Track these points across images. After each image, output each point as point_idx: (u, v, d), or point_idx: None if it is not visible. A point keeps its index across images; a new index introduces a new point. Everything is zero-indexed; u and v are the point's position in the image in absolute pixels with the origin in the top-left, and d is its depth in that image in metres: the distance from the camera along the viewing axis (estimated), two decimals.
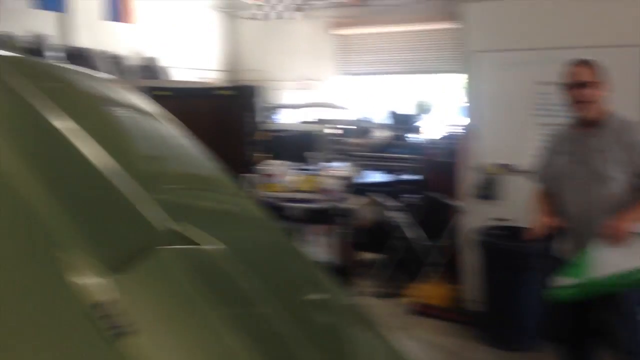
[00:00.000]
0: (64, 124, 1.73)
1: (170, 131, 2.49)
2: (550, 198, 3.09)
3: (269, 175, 5.41)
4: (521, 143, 4.48)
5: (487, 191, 4.72)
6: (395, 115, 9.21)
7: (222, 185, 2.44)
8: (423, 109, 14.08)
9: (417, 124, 9.66)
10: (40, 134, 1.69)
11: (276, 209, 5.19)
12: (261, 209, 2.41)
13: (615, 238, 2.66)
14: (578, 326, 3.05)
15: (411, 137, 8.68)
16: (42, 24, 9.36)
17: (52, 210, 1.41)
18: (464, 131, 4.90)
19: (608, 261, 2.66)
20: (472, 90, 4.79)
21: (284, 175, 5.47)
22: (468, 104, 4.86)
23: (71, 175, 1.63)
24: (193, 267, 1.51)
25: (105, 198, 1.64)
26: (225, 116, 7.58)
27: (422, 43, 15.39)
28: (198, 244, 1.62)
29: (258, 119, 8.09)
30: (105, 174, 1.68)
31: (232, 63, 17.63)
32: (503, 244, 4.06)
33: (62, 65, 3.94)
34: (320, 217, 5.16)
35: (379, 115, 9.30)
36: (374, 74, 16.50)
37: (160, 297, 1.38)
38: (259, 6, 14.04)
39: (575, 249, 2.92)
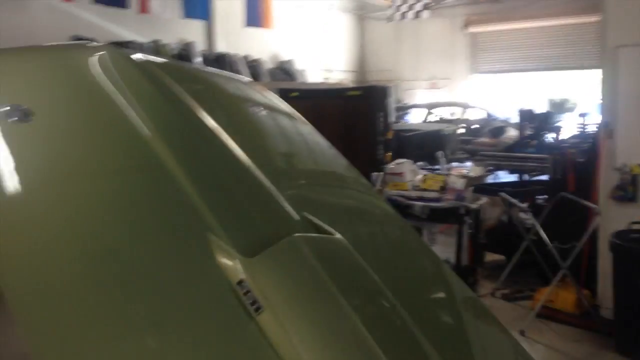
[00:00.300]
0: (211, 123, 1.96)
1: (304, 130, 2.68)
2: None
3: (398, 174, 5.48)
4: None
5: (629, 193, 4.48)
6: (529, 114, 8.89)
7: (353, 182, 2.57)
8: (560, 107, 13.42)
9: (552, 122, 9.25)
10: (191, 132, 1.92)
11: (403, 207, 5.25)
12: (389, 206, 2.52)
13: None
14: None
15: (546, 136, 8.35)
16: (190, 32, 10.12)
17: (203, 198, 1.61)
18: (602, 130, 4.68)
19: None
20: (611, 87, 4.56)
21: (412, 174, 5.52)
22: (605, 102, 4.63)
23: (218, 168, 1.82)
24: (323, 254, 1.64)
25: (248, 189, 1.83)
26: (355, 116, 7.77)
27: (559, 38, 14.66)
28: (330, 233, 1.75)
29: (389, 118, 8.20)
30: (249, 168, 1.87)
31: (363, 64, 17.87)
32: (635, 247, 3.85)
33: (207, 69, 4.30)
34: (446, 216, 5.15)
35: (511, 114, 9.02)
36: (508, 71, 15.97)
37: (292, 280, 1.52)
38: (389, 7, 14.10)
39: None
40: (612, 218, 4.48)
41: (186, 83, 2.14)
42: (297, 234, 1.64)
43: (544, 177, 6.35)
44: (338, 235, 1.76)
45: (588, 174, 4.94)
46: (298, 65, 14.26)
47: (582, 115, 9.13)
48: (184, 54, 9.98)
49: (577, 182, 5.12)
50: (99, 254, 1.39)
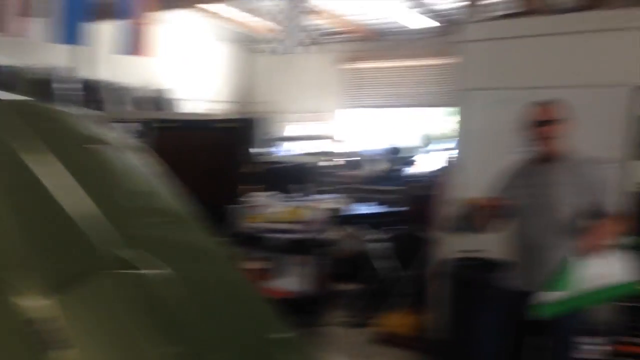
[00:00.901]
0: (36, 158, 1.95)
1: (141, 165, 2.70)
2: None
3: (258, 206, 5.62)
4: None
5: (464, 224, 4.89)
6: (393, 148, 9.42)
7: (181, 219, 2.63)
8: (425, 142, 14.28)
9: (412, 157, 9.85)
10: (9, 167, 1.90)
11: (257, 239, 5.39)
12: (217, 243, 2.60)
13: (592, 251, 2.82)
14: (518, 351, 3.20)
15: (405, 170, 8.87)
16: (57, 56, 9.74)
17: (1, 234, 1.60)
18: (449, 165, 5.11)
19: (590, 275, 2.80)
20: (463, 125, 5.01)
21: (267, 206, 5.67)
22: (458, 138, 5.07)
23: (30, 205, 1.82)
24: (131, 290, 1.69)
25: (57, 226, 1.83)
26: (220, 148, 7.84)
27: (425, 77, 15.68)
28: (139, 270, 1.80)
29: (254, 150, 8.34)
30: (58, 205, 1.88)
31: (244, 95, 18.03)
32: (465, 274, 4.22)
33: (57, 106, 4.20)
34: (299, 247, 5.35)
35: (378, 148, 9.50)
36: (379, 107, 16.79)
37: (95, 317, 1.56)
38: (272, 40, 14.35)
39: (529, 279, 3.10)
40: (448, 247, 4.87)
41: (33, 121, 2.12)
42: (103, 271, 1.67)
43: (398, 209, 6.74)
44: (157, 271, 1.80)
45: (433, 206, 5.35)
46: (177, 94, 14.13)
47: (439, 150, 9.80)
48: (45, 79, 9.59)
49: (423, 214, 5.50)
50: None
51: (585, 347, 4.08)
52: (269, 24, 12.84)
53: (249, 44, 17.34)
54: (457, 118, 5.05)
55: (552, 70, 4.57)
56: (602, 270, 2.80)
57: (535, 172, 3.17)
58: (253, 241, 5.48)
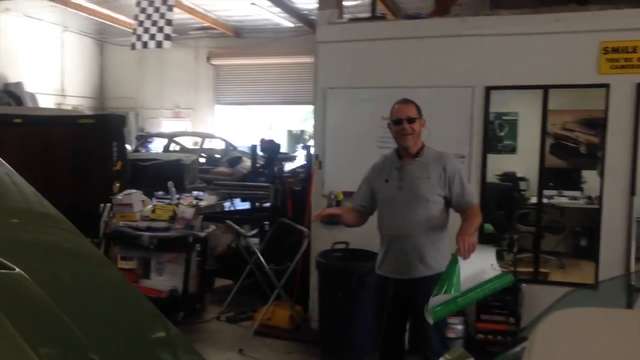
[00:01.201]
0: None
1: None
2: (354, 212, 3.50)
3: (126, 205, 5.46)
4: (365, 172, 4.91)
5: (334, 217, 5.09)
6: (266, 145, 9.49)
7: (45, 219, 2.51)
8: (297, 138, 14.55)
9: (285, 153, 10.00)
10: None
11: (131, 238, 5.25)
12: (85, 242, 2.51)
13: (469, 251, 2.99)
14: (397, 334, 3.43)
15: (279, 166, 8.98)
16: None
17: None
18: (313, 161, 5.28)
19: (467, 271, 2.98)
20: (321, 123, 5.18)
21: (141, 204, 5.54)
22: (318, 136, 5.24)
23: None
24: None
25: None
26: (88, 145, 7.47)
27: (292, 75, 15.98)
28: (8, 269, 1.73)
29: (123, 148, 8.04)
30: None
31: (103, 90, 17.24)
32: (337, 264, 4.42)
33: None
34: (174, 245, 5.28)
35: (249, 144, 9.53)
36: (248, 104, 16.85)
37: None
38: (132, 33, 13.83)
39: (396, 267, 3.31)
40: (320, 240, 5.05)
41: None
42: None
43: (273, 205, 6.85)
44: (17, 271, 1.74)
45: (303, 201, 5.50)
46: (28, 88, 13.22)
47: (305, 147, 10.03)
48: None
49: (294, 208, 5.65)
50: None
51: (453, 326, 4.45)
52: (130, 17, 12.46)
53: (109, 38, 16.63)
54: (316, 116, 5.22)
55: (404, 72, 4.88)
56: (476, 266, 3.02)
57: (397, 167, 3.37)
58: (125, 240, 5.33)
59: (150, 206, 5.61)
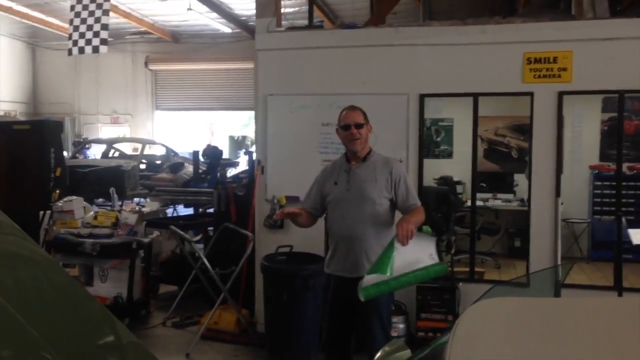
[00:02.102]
0: None
1: None
2: (307, 213, 3.60)
3: (67, 212, 5.40)
4: (306, 176, 5.03)
5: (277, 221, 5.19)
6: (209, 151, 9.49)
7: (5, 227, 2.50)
8: (239, 144, 14.54)
9: (228, 159, 10.01)
10: None
11: (73, 245, 5.20)
12: (31, 247, 2.52)
13: (407, 238, 3.12)
14: (344, 332, 3.57)
15: (222, 171, 9.01)
16: None
17: None
18: (256, 166, 5.38)
19: (405, 258, 3.11)
20: (262, 129, 5.29)
21: (82, 211, 5.50)
22: (260, 141, 5.34)
23: None
24: None
25: None
26: (23, 152, 7.30)
27: (234, 81, 15.97)
28: None
29: (61, 154, 7.89)
30: None
31: (36, 95, 16.76)
32: (281, 268, 4.53)
33: None
34: (117, 251, 5.27)
35: (190, 150, 9.51)
36: (189, 109, 16.73)
37: None
38: (68, 38, 13.51)
39: (344, 266, 3.46)
40: (264, 244, 5.16)
41: None
42: None
43: (217, 210, 6.88)
44: None
45: (247, 206, 5.59)
46: None
47: (247, 152, 10.09)
48: None
49: (237, 213, 5.72)
50: None
51: (395, 325, 4.62)
52: (62, 21, 12.20)
53: (42, 42, 16.17)
54: (257, 122, 5.33)
55: (342, 80, 5.07)
56: (414, 254, 3.18)
57: (346, 170, 3.52)
58: (67, 247, 5.27)
59: (91, 213, 5.57)
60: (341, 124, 3.51)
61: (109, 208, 5.99)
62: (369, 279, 3.03)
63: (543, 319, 1.43)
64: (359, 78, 5.02)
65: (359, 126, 3.46)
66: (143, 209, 6.70)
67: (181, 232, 5.18)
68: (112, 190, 6.02)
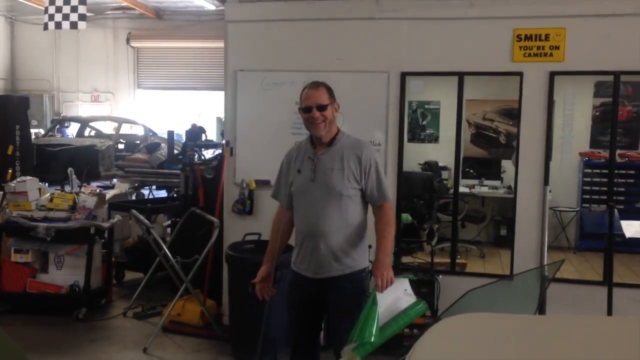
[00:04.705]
0: None
1: None
2: (285, 224, 3.21)
3: (20, 193, 5.03)
4: (278, 159, 4.68)
5: (246, 206, 4.85)
6: (186, 131, 9.11)
7: None
8: (222, 126, 14.05)
9: (210, 140, 9.61)
10: None
11: (25, 229, 4.84)
12: None
13: (386, 286, 2.81)
14: (312, 335, 3.23)
15: (196, 152, 8.65)
16: None
17: None
18: (225, 147, 5.02)
19: (382, 302, 2.77)
20: (231, 108, 4.91)
21: (37, 192, 5.12)
22: (229, 121, 4.97)
23: None
24: None
25: None
26: None
27: (219, 60, 15.44)
28: None
29: (27, 131, 7.50)
30: None
31: (14, 71, 16.21)
32: (247, 257, 4.19)
33: None
34: (74, 236, 4.92)
35: (170, 131, 9.09)
36: (171, 89, 16.27)
37: None
38: (44, 13, 13.00)
39: (308, 264, 3.09)
40: (232, 230, 4.81)
41: None
42: None
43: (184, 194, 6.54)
44: None
45: (216, 190, 5.23)
46: None
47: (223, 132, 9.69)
48: None
49: (206, 197, 5.37)
50: None
51: None
52: None
53: (20, 16, 15.59)
54: (226, 99, 4.95)
55: (318, 55, 4.68)
56: (391, 295, 2.84)
57: (310, 157, 3.08)
58: (19, 231, 4.91)
59: (47, 195, 5.20)
60: (302, 106, 3.03)
61: (71, 189, 5.59)
62: (351, 346, 2.67)
63: (511, 338, 1.18)
64: (336, 54, 4.64)
65: (321, 108, 2.98)
66: (106, 191, 6.33)
67: (141, 217, 4.83)
68: (70, 170, 5.63)
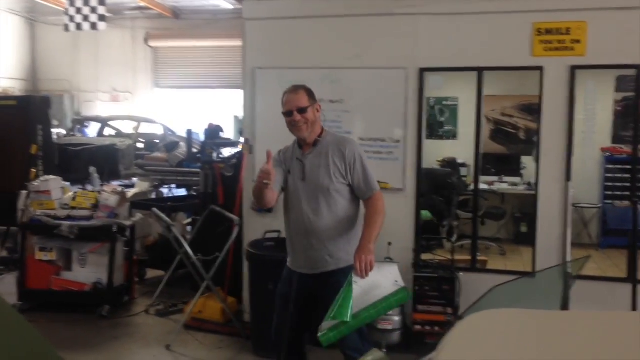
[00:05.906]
0: None
1: None
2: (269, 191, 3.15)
3: (44, 192, 5.10)
4: None
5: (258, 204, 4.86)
6: (205, 130, 9.15)
7: None
8: (240, 124, 14.12)
9: (227, 139, 9.64)
10: None
11: (49, 227, 4.91)
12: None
13: (366, 271, 2.86)
14: (302, 331, 3.25)
15: (216, 152, 8.69)
16: None
17: None
18: (244, 145, 5.04)
19: (365, 293, 2.82)
20: (250, 106, 4.93)
21: (60, 191, 5.19)
22: (246, 119, 4.99)
23: None
24: None
25: None
26: (7, 128, 7.03)
27: (237, 59, 15.48)
28: None
29: (48, 131, 7.58)
30: None
31: (35, 72, 16.41)
32: (267, 255, 4.21)
33: None
34: (97, 234, 4.98)
35: (189, 129, 9.14)
36: (190, 88, 16.34)
37: None
38: (64, 13, 13.16)
39: (304, 262, 3.15)
40: (252, 228, 4.83)
41: None
42: None
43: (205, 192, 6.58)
44: None
45: (235, 187, 5.26)
46: None
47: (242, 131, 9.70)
48: None
49: (225, 195, 5.40)
50: None
51: (389, 317, 4.28)
52: None
53: (40, 17, 15.76)
54: (245, 97, 4.96)
55: (336, 52, 4.67)
56: (374, 283, 2.87)
57: (299, 158, 3.18)
58: (43, 230, 4.98)
59: (70, 194, 5.26)
60: (283, 110, 3.18)
61: (94, 188, 5.66)
62: (327, 324, 2.72)
63: (539, 335, 1.21)
64: (353, 51, 4.64)
65: (302, 110, 3.10)
66: (128, 190, 6.38)
67: (162, 215, 4.87)
68: (92, 169, 5.70)
